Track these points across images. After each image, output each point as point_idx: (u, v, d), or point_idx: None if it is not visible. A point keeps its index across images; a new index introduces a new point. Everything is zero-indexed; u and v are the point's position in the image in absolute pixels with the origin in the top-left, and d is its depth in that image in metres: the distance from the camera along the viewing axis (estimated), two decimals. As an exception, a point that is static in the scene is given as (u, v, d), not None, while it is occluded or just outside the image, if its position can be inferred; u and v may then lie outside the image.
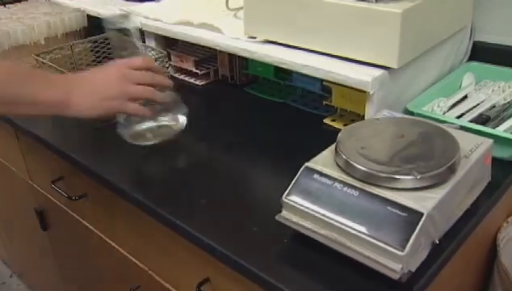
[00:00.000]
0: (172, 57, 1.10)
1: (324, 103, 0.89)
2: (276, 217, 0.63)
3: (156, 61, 1.01)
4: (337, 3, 0.78)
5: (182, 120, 0.84)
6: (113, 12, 1.18)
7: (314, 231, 0.59)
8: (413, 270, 0.55)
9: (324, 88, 0.90)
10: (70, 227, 1.07)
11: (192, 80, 1.09)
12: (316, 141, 0.70)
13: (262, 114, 0.96)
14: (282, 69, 0.92)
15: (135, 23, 0.99)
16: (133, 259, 0.90)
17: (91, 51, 1.14)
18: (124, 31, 0.89)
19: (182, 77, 1.12)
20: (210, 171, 0.80)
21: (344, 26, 0.78)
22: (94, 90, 0.72)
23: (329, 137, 0.69)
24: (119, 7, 1.18)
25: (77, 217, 1.03)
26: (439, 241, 0.59)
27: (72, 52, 1.10)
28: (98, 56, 1.14)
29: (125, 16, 1.09)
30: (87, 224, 1.00)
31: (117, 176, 0.79)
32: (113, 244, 0.94)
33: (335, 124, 0.88)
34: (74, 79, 0.74)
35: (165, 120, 0.84)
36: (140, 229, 0.84)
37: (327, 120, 0.90)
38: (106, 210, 0.92)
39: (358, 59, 0.79)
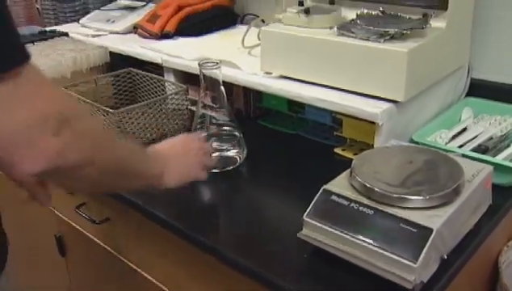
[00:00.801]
0: (190, 91, 1.18)
1: (335, 133, 0.96)
2: (298, 235, 0.68)
3: (176, 94, 1.09)
4: (349, 43, 0.86)
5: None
6: (133, 49, 1.26)
7: (333, 247, 0.65)
8: (425, 281, 0.61)
9: (334, 120, 0.97)
10: (90, 252, 1.12)
11: (208, 112, 1.16)
12: (328, 169, 0.76)
13: (276, 144, 1.03)
14: (294, 102, 1.00)
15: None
16: (161, 285, 0.94)
17: (113, 85, 1.22)
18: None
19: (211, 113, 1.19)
20: (230, 196, 0.87)
21: (355, 63, 0.86)
22: (180, 165, 0.81)
23: (340, 165, 0.75)
24: (139, 45, 1.27)
25: (99, 242, 1.08)
26: (447, 256, 0.65)
27: (96, 85, 1.17)
28: (119, 90, 1.21)
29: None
30: (109, 248, 1.05)
31: (143, 200, 0.85)
32: (138, 269, 0.98)
33: (345, 154, 0.95)
34: (167, 156, 0.81)
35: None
36: (169, 252, 0.88)
37: (338, 150, 0.96)
38: (131, 234, 0.97)
39: (367, 93, 0.86)
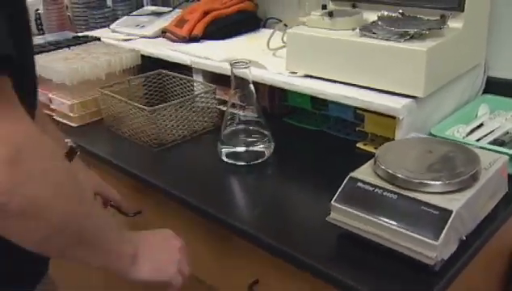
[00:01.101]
0: (217, 91, 1.24)
1: (357, 129, 1.02)
2: (326, 219, 0.74)
3: (206, 93, 1.16)
4: (371, 43, 0.92)
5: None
6: (163, 52, 1.33)
7: (360, 229, 0.71)
8: (446, 258, 0.66)
9: (356, 116, 1.02)
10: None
11: (235, 111, 1.23)
12: (351, 162, 0.81)
13: (301, 140, 1.09)
14: (317, 100, 1.05)
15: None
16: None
17: (143, 85, 1.29)
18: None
19: (225, 108, 1.25)
20: (258, 187, 0.93)
21: (376, 62, 0.92)
22: (157, 255, 0.72)
23: (362, 158, 0.81)
24: (169, 48, 1.34)
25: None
26: (466, 237, 0.70)
27: (129, 85, 1.25)
28: (150, 90, 1.28)
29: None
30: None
31: (179, 190, 0.92)
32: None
33: (367, 148, 1.00)
34: (144, 241, 0.71)
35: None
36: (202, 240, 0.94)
37: (360, 145, 1.02)
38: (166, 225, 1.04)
39: (388, 90, 0.92)
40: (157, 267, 0.71)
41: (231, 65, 0.95)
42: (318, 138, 1.08)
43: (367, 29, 0.94)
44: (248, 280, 0.84)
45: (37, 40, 1.59)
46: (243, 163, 0.98)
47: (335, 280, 0.68)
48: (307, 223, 0.80)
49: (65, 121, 1.24)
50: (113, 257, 0.66)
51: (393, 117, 0.90)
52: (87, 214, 0.60)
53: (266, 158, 0.99)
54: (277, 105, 1.19)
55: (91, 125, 1.23)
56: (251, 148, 1.00)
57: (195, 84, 1.23)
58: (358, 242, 0.72)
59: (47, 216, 0.52)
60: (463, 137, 0.96)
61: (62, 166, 0.56)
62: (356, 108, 0.98)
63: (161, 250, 0.73)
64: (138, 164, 1.03)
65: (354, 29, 0.97)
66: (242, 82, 0.98)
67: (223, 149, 1.00)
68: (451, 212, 0.65)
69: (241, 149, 0.99)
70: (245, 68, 0.95)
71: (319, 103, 1.10)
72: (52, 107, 1.27)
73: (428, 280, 0.66)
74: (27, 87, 0.61)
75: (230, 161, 0.99)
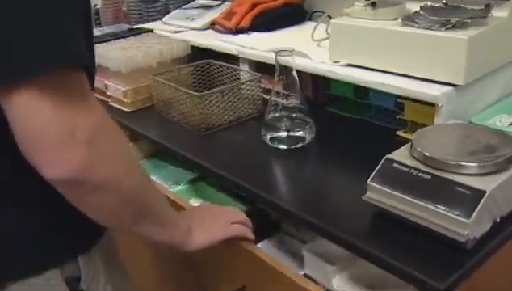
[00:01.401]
0: (262, 80, 1.29)
1: (397, 117, 1.04)
2: (362, 197, 0.77)
3: (251, 81, 1.21)
4: (413, 32, 0.94)
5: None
6: (212, 42, 1.39)
7: (395, 207, 0.74)
8: (478, 237, 0.68)
9: (396, 104, 1.05)
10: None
11: (278, 98, 1.27)
12: (390, 148, 0.82)
13: (342, 128, 1.12)
14: (360, 89, 1.08)
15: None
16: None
17: (192, 74, 1.35)
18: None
19: (269, 97, 1.30)
20: (298, 169, 0.97)
21: (418, 51, 0.94)
22: (208, 225, 0.80)
23: (401, 145, 0.82)
24: (217, 38, 1.40)
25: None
26: (500, 219, 0.71)
27: (179, 74, 1.31)
28: (198, 79, 1.35)
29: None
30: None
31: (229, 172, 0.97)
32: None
33: (406, 135, 1.02)
34: (193, 215, 0.81)
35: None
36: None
37: (400, 133, 1.04)
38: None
39: (429, 78, 0.94)
40: (210, 231, 0.80)
41: (275, 53, 1.00)
42: (359, 126, 1.11)
43: (410, 19, 0.96)
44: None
45: (96, 31, 1.69)
46: (285, 147, 1.02)
47: (373, 256, 0.71)
48: (345, 202, 0.84)
49: (119, 107, 1.33)
50: (171, 231, 0.74)
51: (433, 105, 0.92)
52: (151, 191, 0.69)
53: (307, 142, 1.03)
54: (320, 94, 1.23)
55: (143, 110, 1.31)
56: (293, 133, 1.04)
57: (241, 73, 1.28)
58: (393, 220, 0.74)
59: (119, 190, 0.61)
60: (505, 127, 0.97)
61: (128, 147, 0.67)
62: (397, 97, 1.00)
63: (210, 219, 0.82)
64: (187, 147, 1.09)
65: (396, 19, 0.99)
66: (286, 70, 1.02)
67: (266, 134, 1.05)
68: (484, 192, 0.67)
69: (284, 133, 1.04)
70: (288, 56, 1.00)
71: (361, 92, 1.13)
72: (108, 93, 1.35)
73: (460, 258, 0.68)
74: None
75: (273, 145, 1.04)
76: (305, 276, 0.85)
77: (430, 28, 0.92)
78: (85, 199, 0.61)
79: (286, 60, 1.01)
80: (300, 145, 1.03)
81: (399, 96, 0.99)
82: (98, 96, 1.38)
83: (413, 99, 0.96)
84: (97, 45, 1.36)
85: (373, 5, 1.02)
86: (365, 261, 0.73)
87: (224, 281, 0.96)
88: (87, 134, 0.55)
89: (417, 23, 0.94)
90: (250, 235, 0.85)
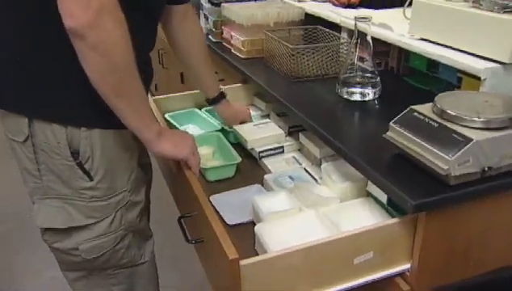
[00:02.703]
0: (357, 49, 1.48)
1: (455, 90, 1.17)
2: (383, 135, 0.95)
3: (341, 45, 1.41)
4: (474, 12, 1.06)
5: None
6: (321, 11, 1.61)
7: (404, 145, 0.91)
8: (457, 174, 0.83)
9: (458, 79, 1.17)
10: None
11: (355, 60, 1.44)
12: None
13: (409, 95, 1.27)
14: (432, 63, 1.22)
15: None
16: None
17: (303, 37, 1.59)
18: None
19: (361, 64, 1.48)
20: (359, 115, 1.17)
21: (478, 29, 1.06)
22: (175, 140, 1.02)
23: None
24: (329, 9, 1.61)
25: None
26: (488, 168, 0.84)
27: (289, 34, 1.56)
28: (307, 41, 1.58)
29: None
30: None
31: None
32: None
33: (461, 107, 1.14)
34: (165, 128, 1.06)
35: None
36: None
37: (456, 104, 1.16)
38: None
39: (484, 55, 1.05)
40: (176, 146, 1.00)
41: (355, 18, 1.19)
42: (423, 95, 1.25)
43: (478, 1, 1.08)
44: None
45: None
46: (354, 99, 1.22)
47: (369, 173, 0.91)
48: (375, 139, 1.01)
49: (237, 54, 1.63)
50: (144, 125, 0.92)
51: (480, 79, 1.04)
52: (135, 77, 0.86)
53: (371, 98, 1.21)
54: (402, 66, 1.38)
55: (255, 59, 1.59)
56: (361, 89, 1.23)
57: (340, 39, 1.49)
58: (401, 155, 0.92)
59: (107, 56, 0.80)
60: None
61: (126, 34, 0.82)
62: (457, 71, 1.13)
63: (179, 138, 1.03)
64: (277, 90, 1.34)
65: (467, 1, 1.11)
66: (362, 35, 1.21)
67: (340, 88, 1.25)
68: (470, 140, 0.82)
69: (354, 89, 1.23)
70: (364, 22, 1.18)
71: (433, 67, 1.26)
72: (231, 42, 1.66)
73: (439, 189, 0.83)
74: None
75: (345, 97, 1.24)
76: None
77: (490, 10, 1.04)
78: (84, 54, 0.80)
79: (363, 26, 1.20)
80: (364, 100, 1.22)
81: (459, 70, 1.12)
82: (226, 44, 1.70)
83: (468, 74, 1.09)
84: (231, 4, 1.69)
85: (451, -13, 1.15)
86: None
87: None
88: (98, 7, 0.76)
89: (481, 4, 1.06)
90: (196, 171, 1.06)
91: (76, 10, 0.76)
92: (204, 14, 1.85)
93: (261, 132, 1.36)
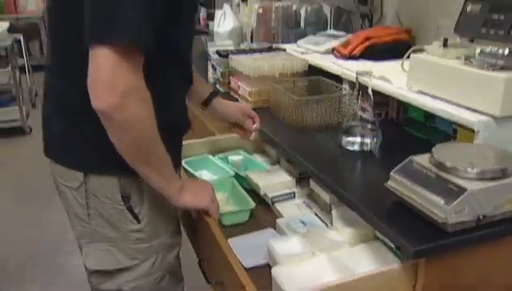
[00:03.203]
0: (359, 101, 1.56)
1: (451, 140, 1.24)
2: (385, 184, 1.02)
3: (343, 97, 1.49)
4: (465, 69, 1.14)
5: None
6: (323, 63, 1.70)
7: (404, 194, 0.97)
8: (454, 222, 0.88)
9: (454, 130, 1.24)
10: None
11: (357, 111, 1.51)
12: None
13: (407, 144, 1.35)
14: (429, 114, 1.30)
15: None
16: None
17: (306, 87, 1.68)
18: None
19: (362, 114, 1.56)
20: (360, 164, 1.23)
21: (470, 84, 1.14)
22: (195, 190, 1.09)
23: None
24: (331, 61, 1.71)
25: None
26: (483, 216, 0.90)
27: (294, 85, 1.65)
28: (310, 91, 1.66)
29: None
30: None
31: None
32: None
33: (457, 156, 1.21)
34: (185, 180, 1.11)
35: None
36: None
37: (453, 153, 1.23)
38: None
39: (477, 109, 1.13)
40: (196, 196, 1.07)
41: (356, 72, 1.28)
42: (421, 144, 1.32)
43: (469, 59, 1.17)
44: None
45: (243, 45, 2.12)
46: (354, 149, 1.29)
47: (373, 220, 0.97)
48: (377, 187, 1.07)
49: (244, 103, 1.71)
50: (167, 184, 1.00)
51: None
52: (158, 149, 0.94)
53: (372, 148, 1.28)
54: (401, 116, 1.46)
55: (262, 109, 1.66)
56: (362, 139, 1.30)
57: (342, 90, 1.57)
58: (401, 203, 0.98)
59: (132, 133, 0.88)
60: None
61: (150, 111, 0.90)
62: (453, 123, 1.21)
63: (199, 188, 1.11)
64: (284, 139, 1.41)
65: (459, 58, 1.20)
66: (364, 88, 1.29)
67: (342, 137, 1.33)
68: (465, 190, 0.88)
69: (356, 139, 1.30)
70: (365, 76, 1.27)
71: (430, 117, 1.34)
72: (238, 92, 1.75)
73: (438, 236, 0.89)
74: (179, 61, 1.05)
75: (347, 147, 1.31)
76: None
77: (481, 68, 1.12)
78: (112, 131, 0.88)
79: (364, 79, 1.28)
80: (365, 149, 1.29)
81: (453, 122, 1.19)
82: (233, 94, 1.79)
83: (462, 126, 1.16)
84: (238, 55, 1.78)
85: (444, 45, 1.24)
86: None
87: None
88: (123, 90, 0.83)
89: (472, 62, 1.15)
90: (216, 216, 1.14)
91: (103, 94, 0.84)
92: (212, 65, 1.95)
93: (272, 178, 1.43)
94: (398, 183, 0.99)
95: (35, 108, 4.78)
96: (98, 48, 0.83)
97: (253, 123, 1.41)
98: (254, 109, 1.66)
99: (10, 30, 4.25)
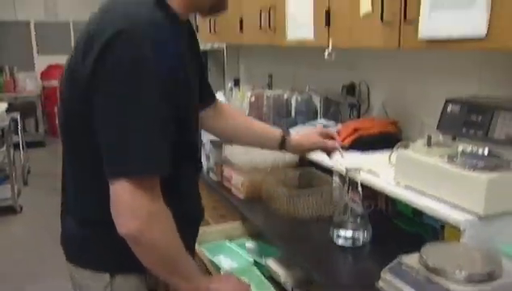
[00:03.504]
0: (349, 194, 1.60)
1: (439, 237, 1.27)
2: (376, 284, 1.04)
3: (334, 190, 1.53)
4: (448, 169, 1.20)
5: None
6: (317, 157, 1.76)
7: (393, 294, 0.99)
8: (445, 326, 0.90)
9: (442, 226, 1.28)
10: None
11: (347, 205, 1.55)
12: None
13: (396, 237, 1.37)
14: (416, 209, 1.34)
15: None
16: None
17: (298, 178, 1.73)
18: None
19: (353, 205, 1.60)
20: (353, 260, 1.25)
21: (453, 183, 1.19)
22: (223, 287, 1.08)
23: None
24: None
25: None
26: (473, 320, 0.92)
27: (285, 176, 1.70)
28: (302, 182, 1.71)
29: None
30: None
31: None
32: None
33: (446, 252, 1.24)
34: (211, 277, 1.18)
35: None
36: None
37: (441, 249, 1.26)
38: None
39: (462, 206, 1.17)
40: None
41: (346, 169, 1.33)
42: (410, 237, 1.35)
43: (452, 158, 1.22)
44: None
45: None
46: (345, 244, 1.31)
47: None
48: (368, 285, 1.09)
49: (237, 194, 1.75)
50: (193, 287, 1.02)
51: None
52: (183, 258, 1.00)
53: (362, 242, 1.31)
54: (390, 209, 1.50)
55: (254, 199, 1.70)
56: (353, 233, 1.33)
57: (333, 182, 1.62)
58: (392, 305, 0.99)
59: (157, 254, 0.94)
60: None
61: (172, 231, 0.96)
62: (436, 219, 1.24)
63: (225, 284, 1.09)
64: (275, 231, 1.44)
65: (442, 157, 1.26)
66: (354, 183, 1.34)
67: (334, 231, 1.35)
68: (454, 293, 0.90)
69: (346, 232, 1.33)
70: (355, 172, 1.32)
71: (418, 212, 1.38)
72: (231, 182, 1.79)
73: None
74: (189, 157, 1.09)
75: (338, 240, 1.33)
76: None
77: (462, 168, 1.18)
78: (138, 252, 0.94)
79: (354, 175, 1.33)
80: (356, 244, 1.31)
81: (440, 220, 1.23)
82: (226, 184, 1.83)
83: (448, 223, 1.20)
84: (231, 146, 1.85)
85: (428, 144, 1.30)
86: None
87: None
88: (144, 216, 0.90)
89: (455, 162, 1.20)
90: None
91: (126, 221, 0.90)
92: (206, 154, 2.01)
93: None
94: (389, 284, 1.01)
95: (27, 185, 4.78)
96: (115, 181, 0.89)
97: (333, 139, 1.47)
98: (246, 199, 1.71)
99: (9, 109, 4.35)
